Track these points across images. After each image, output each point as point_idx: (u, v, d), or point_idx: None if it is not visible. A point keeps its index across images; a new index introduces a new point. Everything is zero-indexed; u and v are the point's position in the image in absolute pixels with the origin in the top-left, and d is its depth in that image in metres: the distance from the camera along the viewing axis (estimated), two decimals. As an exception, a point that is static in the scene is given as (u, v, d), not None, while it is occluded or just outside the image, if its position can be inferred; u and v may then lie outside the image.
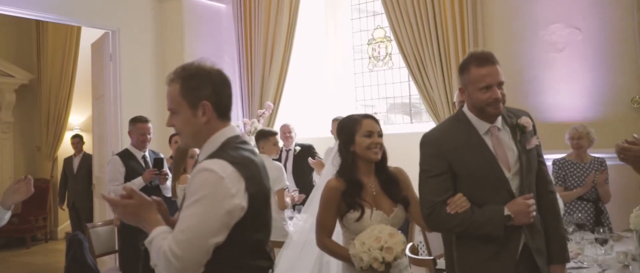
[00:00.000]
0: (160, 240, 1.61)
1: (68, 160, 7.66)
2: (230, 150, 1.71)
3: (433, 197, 2.19)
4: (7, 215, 2.84)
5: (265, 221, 1.81)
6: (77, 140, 7.59)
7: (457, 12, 5.24)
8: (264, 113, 6.09)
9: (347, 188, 2.40)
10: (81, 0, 5.91)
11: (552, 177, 4.07)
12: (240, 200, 1.63)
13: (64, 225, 9.03)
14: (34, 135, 9.50)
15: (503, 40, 5.26)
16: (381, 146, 2.45)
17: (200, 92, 1.73)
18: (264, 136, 4.26)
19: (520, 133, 2.22)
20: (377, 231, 2.25)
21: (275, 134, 4.32)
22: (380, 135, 2.47)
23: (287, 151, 5.74)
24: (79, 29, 8.50)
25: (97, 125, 6.74)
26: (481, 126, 2.19)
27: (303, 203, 4.69)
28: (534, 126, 2.27)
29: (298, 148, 5.67)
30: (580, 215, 3.65)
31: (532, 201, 2.14)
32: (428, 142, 2.26)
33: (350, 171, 2.43)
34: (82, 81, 8.52)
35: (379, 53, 7.00)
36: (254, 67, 6.67)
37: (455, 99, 4.23)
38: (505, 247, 2.17)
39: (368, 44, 7.11)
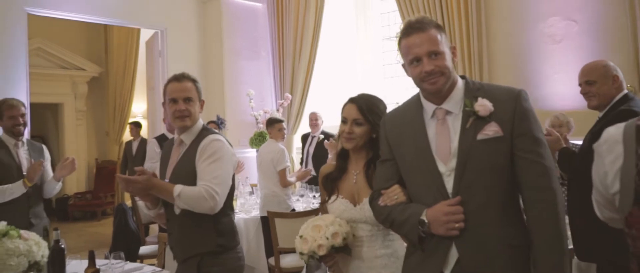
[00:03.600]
0: (192, 189, 2.30)
1: (128, 144, 8.69)
2: (211, 132, 2.48)
3: (376, 184, 1.96)
4: (58, 186, 3.68)
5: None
6: (133, 126, 8.58)
7: (462, 6, 5.62)
8: (283, 103, 6.75)
9: (329, 173, 2.28)
10: (137, 5, 6.80)
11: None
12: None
13: (129, 201, 10.19)
14: (103, 122, 10.73)
15: (505, 32, 5.59)
16: (352, 135, 2.15)
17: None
18: (271, 123, 4.94)
19: (473, 119, 1.72)
20: (321, 223, 2.13)
21: (281, 121, 4.97)
22: (359, 123, 2.14)
23: (312, 137, 6.35)
24: (138, 29, 9.52)
25: (150, 113, 7.69)
26: (428, 108, 1.80)
27: (313, 181, 5.34)
28: (520, 112, 1.70)
29: (322, 136, 6.25)
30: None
31: (455, 209, 1.69)
32: (380, 124, 2.00)
33: (340, 157, 2.29)
34: (141, 74, 9.57)
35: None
36: (285, 60, 7.33)
37: None
38: (431, 259, 1.78)
39: (396, 37, 7.56)
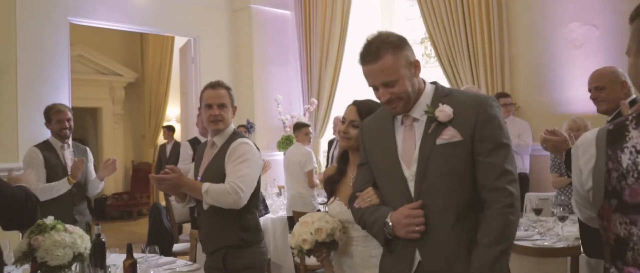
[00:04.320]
0: (218, 185, 2.53)
1: (162, 147, 9.05)
2: (240, 136, 2.73)
3: (355, 187, 2.03)
4: (101, 185, 3.98)
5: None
6: (167, 130, 8.93)
7: (484, 13, 5.74)
8: (309, 108, 6.97)
9: (330, 176, 2.36)
10: (171, 14, 7.13)
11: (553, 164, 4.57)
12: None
13: (163, 201, 10.59)
14: (139, 125, 11.17)
15: (526, 38, 5.68)
16: (348, 134, 2.21)
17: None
18: (297, 128, 5.18)
19: (434, 125, 1.77)
20: (309, 219, 2.23)
21: (307, 126, 5.21)
22: (355, 125, 2.20)
23: (337, 141, 6.56)
24: (172, 36, 9.90)
25: (184, 117, 8.02)
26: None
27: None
28: (482, 117, 1.74)
29: (347, 140, 6.44)
30: (563, 197, 4.14)
31: (416, 212, 1.75)
32: (359, 129, 2.09)
33: (340, 160, 2.35)
34: (175, 80, 9.94)
35: (430, 51, 7.58)
36: (312, 66, 7.55)
37: None
38: (399, 262, 1.85)
39: (420, 43, 7.71)
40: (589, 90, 3.17)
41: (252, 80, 7.52)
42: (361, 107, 2.23)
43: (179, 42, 8.54)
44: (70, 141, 3.87)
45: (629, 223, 1.29)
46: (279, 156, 7.08)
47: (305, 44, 7.68)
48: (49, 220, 2.73)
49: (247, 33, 7.63)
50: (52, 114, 3.77)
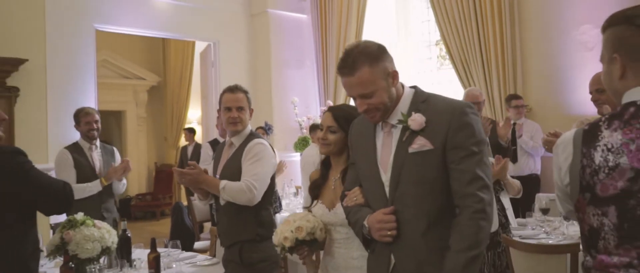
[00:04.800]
0: (234, 183, 2.72)
1: (184, 149, 9.29)
2: (256, 136, 2.91)
3: (345, 186, 2.10)
4: (122, 185, 4.16)
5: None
6: (188, 132, 9.18)
7: (497, 16, 5.83)
8: (325, 110, 7.12)
9: (314, 180, 2.43)
10: (192, 20, 7.37)
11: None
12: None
13: (185, 201, 10.85)
14: (161, 128, 11.46)
15: (538, 40, 5.76)
16: (326, 141, 2.28)
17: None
18: (313, 129, 5.35)
19: (408, 133, 1.81)
20: (291, 218, 2.30)
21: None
22: (333, 131, 2.27)
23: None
24: (193, 41, 10.16)
25: (204, 119, 8.26)
26: None
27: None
28: (455, 125, 1.77)
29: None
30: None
31: (388, 217, 1.81)
32: (349, 129, 2.12)
33: (323, 164, 2.41)
34: (196, 83, 10.19)
35: (446, 53, 7.69)
36: (329, 69, 7.72)
37: None
38: (377, 263, 1.92)
39: (436, 45, 7.82)
40: (590, 93, 3.28)
41: (270, 83, 7.72)
42: (336, 113, 2.30)
43: (200, 46, 8.78)
44: (98, 142, 4.10)
45: (600, 215, 1.42)
46: (296, 157, 7.25)
47: (321, 46, 7.84)
48: (79, 216, 2.94)
49: (264, 37, 7.82)
50: (81, 116, 4.00)
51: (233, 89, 2.91)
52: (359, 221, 1.90)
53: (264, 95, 7.69)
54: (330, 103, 7.27)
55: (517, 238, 3.33)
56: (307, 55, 8.03)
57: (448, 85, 7.28)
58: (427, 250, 1.78)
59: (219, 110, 3.00)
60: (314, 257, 2.40)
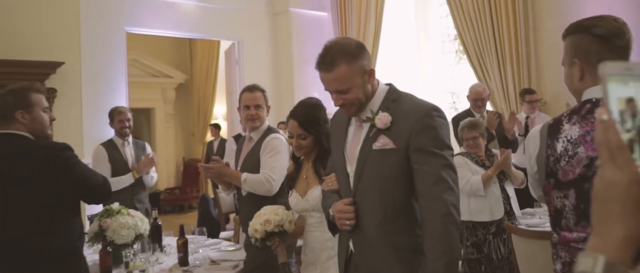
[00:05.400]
0: (254, 176, 2.95)
1: (209, 144, 9.64)
2: (273, 131, 3.15)
3: (326, 171, 2.19)
4: (149, 177, 4.43)
5: None
6: (214, 127, 9.51)
7: (511, 12, 5.96)
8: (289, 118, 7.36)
9: (290, 173, 2.66)
10: (217, 20, 7.67)
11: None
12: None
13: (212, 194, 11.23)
14: (188, 124, 11.85)
15: (552, 35, 5.84)
16: (300, 147, 2.46)
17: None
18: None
19: (375, 130, 1.88)
20: (262, 212, 2.47)
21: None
22: (303, 138, 2.43)
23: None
24: (218, 40, 10.49)
25: (229, 115, 8.58)
26: None
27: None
28: (418, 128, 1.81)
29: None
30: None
31: (347, 208, 1.90)
32: (331, 118, 2.21)
33: (293, 158, 2.61)
34: (222, 80, 10.52)
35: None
36: (349, 65, 7.92)
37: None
38: (341, 248, 2.06)
39: (455, 39, 7.96)
40: None
41: (291, 80, 7.97)
42: (300, 119, 2.44)
43: (225, 45, 9.09)
44: (130, 139, 4.42)
45: (562, 197, 1.64)
46: (317, 151, 7.48)
47: (342, 44, 8.04)
48: (115, 206, 3.25)
49: (286, 35, 8.08)
50: (115, 115, 4.33)
51: (251, 89, 3.17)
52: (327, 208, 2.03)
53: (286, 91, 7.95)
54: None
55: (523, 227, 3.52)
56: (327, 52, 8.24)
57: (466, 79, 7.42)
58: (381, 243, 1.85)
59: (239, 108, 3.26)
60: (285, 246, 2.50)
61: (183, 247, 3.19)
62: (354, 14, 7.81)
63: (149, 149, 4.57)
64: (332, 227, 2.08)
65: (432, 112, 1.84)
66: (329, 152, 2.21)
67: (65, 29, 6.19)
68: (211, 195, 7.62)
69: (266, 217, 2.38)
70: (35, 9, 5.96)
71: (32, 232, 2.28)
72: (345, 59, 1.84)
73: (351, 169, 1.93)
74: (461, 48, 7.74)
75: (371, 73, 1.90)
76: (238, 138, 5.82)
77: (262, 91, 3.18)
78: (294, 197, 2.48)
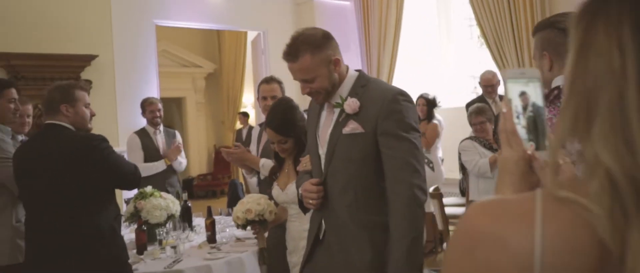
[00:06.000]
0: (270, 161, 3.08)
1: (239, 131, 9.93)
2: None
3: (304, 154, 2.30)
4: (177, 163, 4.70)
5: None
6: (242, 116, 9.81)
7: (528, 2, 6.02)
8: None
9: (273, 167, 2.82)
10: (243, 11, 7.90)
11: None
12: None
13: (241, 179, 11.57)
14: (218, 112, 12.18)
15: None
16: (283, 150, 2.59)
17: None
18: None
19: (344, 115, 1.95)
20: (245, 200, 2.68)
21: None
22: (283, 142, 2.54)
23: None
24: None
25: (257, 104, 8.84)
26: None
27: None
28: (385, 112, 1.89)
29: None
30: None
31: (314, 188, 1.98)
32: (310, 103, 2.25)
33: (275, 156, 2.75)
34: (250, 70, 10.79)
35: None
36: (371, 53, 8.08)
37: None
38: (312, 226, 2.13)
39: (477, 25, 7.99)
40: None
41: (316, 68, 8.13)
42: (276, 127, 2.54)
43: (251, 35, 9.33)
44: (161, 127, 4.71)
45: None
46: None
47: (364, 31, 8.20)
48: (148, 189, 3.53)
49: (310, 24, 8.20)
50: (146, 105, 4.62)
51: (268, 80, 3.38)
52: (298, 187, 2.14)
53: (310, 79, 8.13)
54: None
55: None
56: (351, 40, 8.39)
57: (488, 64, 7.47)
58: (352, 222, 1.94)
59: (258, 99, 3.47)
60: (265, 234, 2.73)
61: (211, 226, 3.46)
62: (375, 2, 7.93)
63: (178, 137, 4.85)
64: (302, 206, 2.15)
65: (398, 97, 1.91)
66: None
67: (98, 24, 6.52)
68: (240, 180, 7.93)
69: (248, 206, 2.56)
70: (71, 6, 6.30)
71: (74, 213, 2.54)
72: (309, 49, 1.93)
73: (323, 152, 2.02)
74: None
75: (337, 62, 1.98)
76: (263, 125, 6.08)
77: (279, 82, 3.38)
78: (275, 190, 2.63)
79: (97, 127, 6.24)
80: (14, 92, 3.08)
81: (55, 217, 2.55)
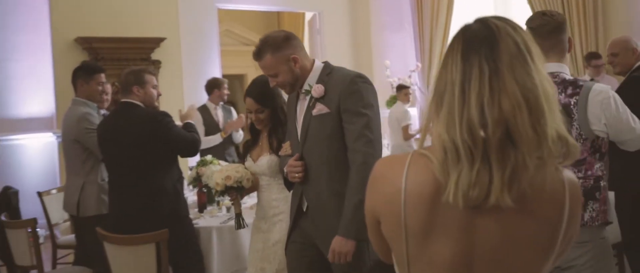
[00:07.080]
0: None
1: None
2: None
3: (286, 139, 2.51)
4: (238, 135, 5.24)
5: None
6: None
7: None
8: (414, 71, 7.74)
9: (247, 141, 2.95)
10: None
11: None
12: None
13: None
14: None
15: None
16: (259, 121, 2.68)
17: None
18: (399, 89, 6.12)
19: (313, 100, 2.21)
20: (224, 168, 2.81)
21: (406, 87, 6.09)
22: (260, 112, 2.64)
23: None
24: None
25: (312, 82, 9.25)
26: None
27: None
28: (345, 92, 2.16)
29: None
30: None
31: (295, 163, 2.23)
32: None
33: (251, 129, 2.85)
34: (307, 48, 11.15)
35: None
36: (424, 31, 8.26)
37: None
38: (294, 199, 2.37)
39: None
40: (607, 56, 3.72)
41: (370, 46, 8.46)
42: (255, 96, 2.65)
43: (308, 16, 9.71)
44: (221, 104, 5.24)
45: None
46: (387, 113, 7.99)
47: (417, 10, 8.37)
48: (208, 157, 4.02)
49: (364, 4, 8.53)
50: (215, 86, 5.24)
51: None
52: (282, 168, 2.39)
53: (364, 57, 8.46)
54: (419, 65, 7.85)
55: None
56: (405, 19, 8.58)
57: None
58: (329, 192, 2.21)
59: None
60: (241, 200, 2.87)
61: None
62: (429, -20, 8.07)
63: (234, 112, 5.37)
64: (288, 184, 2.43)
65: (356, 79, 2.20)
66: (282, 123, 2.62)
67: (166, 9, 7.14)
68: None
69: (227, 173, 2.69)
70: (142, -8, 6.94)
71: (144, 174, 3.08)
72: (270, 50, 2.21)
73: (299, 134, 2.29)
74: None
75: (296, 60, 2.23)
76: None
77: None
78: (248, 162, 2.80)
79: (164, 104, 6.92)
80: (103, 77, 3.67)
81: (129, 177, 3.11)
